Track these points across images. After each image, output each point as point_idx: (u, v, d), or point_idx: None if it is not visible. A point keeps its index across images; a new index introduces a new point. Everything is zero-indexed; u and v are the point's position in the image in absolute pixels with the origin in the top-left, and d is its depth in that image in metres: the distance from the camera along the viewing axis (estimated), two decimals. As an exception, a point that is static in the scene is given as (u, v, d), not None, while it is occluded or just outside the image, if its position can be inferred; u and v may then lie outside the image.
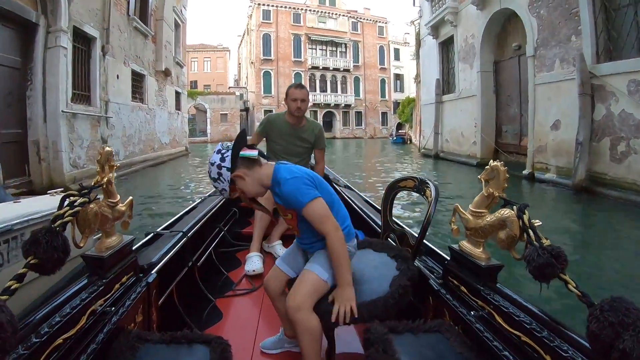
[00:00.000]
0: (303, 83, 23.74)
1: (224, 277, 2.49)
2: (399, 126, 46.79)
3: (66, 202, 1.17)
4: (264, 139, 3.19)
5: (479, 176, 1.39)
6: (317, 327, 1.35)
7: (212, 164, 1.39)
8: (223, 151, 1.40)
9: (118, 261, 1.40)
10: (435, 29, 16.27)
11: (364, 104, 46.52)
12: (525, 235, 1.16)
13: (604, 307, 0.84)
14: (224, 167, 1.38)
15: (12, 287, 0.90)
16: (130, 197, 1.51)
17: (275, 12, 42.25)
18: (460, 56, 14.34)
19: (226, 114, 39.02)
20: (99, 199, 1.33)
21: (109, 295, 1.30)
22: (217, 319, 1.98)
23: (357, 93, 45.81)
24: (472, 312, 1.29)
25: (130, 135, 12.74)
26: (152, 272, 1.60)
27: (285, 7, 42.65)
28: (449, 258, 1.56)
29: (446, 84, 16.26)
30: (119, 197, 1.42)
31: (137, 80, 13.81)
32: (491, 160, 1.38)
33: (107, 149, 1.37)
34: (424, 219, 1.56)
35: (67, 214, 1.13)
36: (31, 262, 0.99)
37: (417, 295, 1.58)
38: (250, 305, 2.16)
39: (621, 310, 0.81)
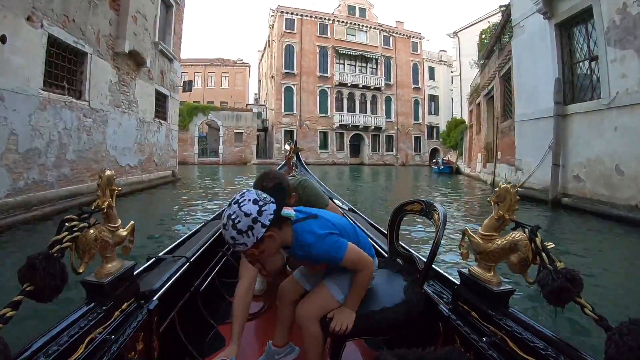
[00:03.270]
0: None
1: (227, 302, 2.41)
2: (433, 152, 42.48)
3: (65, 227, 1.16)
4: None
5: (487, 199, 1.39)
6: (320, 335, 1.44)
7: (247, 215, 1.21)
8: (261, 203, 1.25)
9: (118, 287, 1.36)
10: (548, 3, 10.53)
11: (395, 127, 43.03)
12: (538, 258, 1.17)
13: (623, 331, 0.84)
14: (259, 221, 1.22)
15: (6, 315, 0.90)
16: (132, 222, 1.47)
17: (300, 21, 39.14)
18: (612, 38, 8.53)
19: (241, 133, 35.92)
20: (98, 223, 1.31)
21: (109, 322, 1.27)
22: (220, 346, 1.91)
23: (388, 114, 42.55)
24: (484, 339, 1.27)
25: (34, 152, 7.09)
26: (154, 298, 1.55)
27: (311, 16, 39.71)
28: (458, 283, 1.55)
29: (570, 88, 10.37)
30: (119, 221, 1.40)
31: (65, 56, 8.25)
32: (501, 182, 1.41)
33: (108, 172, 1.37)
34: (432, 243, 1.51)
35: (65, 239, 1.13)
36: (27, 288, 0.98)
37: (426, 322, 1.58)
38: (254, 331, 2.13)
39: None
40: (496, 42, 16.06)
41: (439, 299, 1.58)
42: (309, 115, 38.49)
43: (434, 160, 30.39)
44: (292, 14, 38.64)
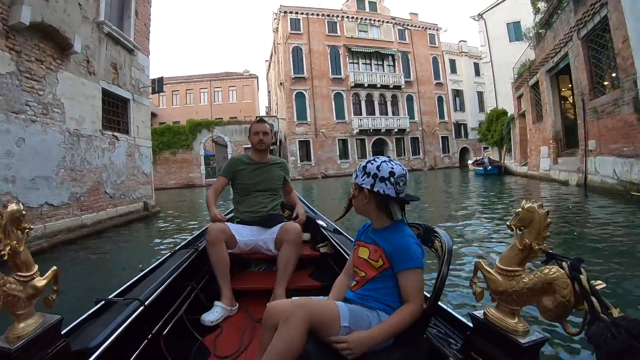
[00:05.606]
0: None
1: (198, 343, 2.06)
2: (463, 153, 40.61)
3: None
4: (229, 183, 3.06)
5: (507, 223, 1.10)
6: (297, 343, 1.21)
7: (383, 171, 1.39)
8: (393, 180, 1.37)
9: (38, 352, 1.10)
10: None
11: (420, 128, 39.15)
12: (584, 302, 0.91)
13: None
14: (384, 181, 1.38)
15: None
16: (54, 267, 1.20)
17: (306, 20, 35.76)
18: None
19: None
20: None
21: None
22: None
23: (411, 114, 38.73)
24: None
25: None
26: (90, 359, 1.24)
27: (318, 14, 36.31)
28: (471, 325, 1.25)
29: None
30: (36, 267, 1.14)
31: None
32: (524, 201, 1.06)
33: (13, 206, 1.09)
34: (436, 278, 1.25)
35: None
36: None
37: None
38: None
39: None
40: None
41: (446, 347, 1.26)
42: (324, 122, 35.00)
43: (476, 160, 26.10)
44: (296, 13, 35.36)
